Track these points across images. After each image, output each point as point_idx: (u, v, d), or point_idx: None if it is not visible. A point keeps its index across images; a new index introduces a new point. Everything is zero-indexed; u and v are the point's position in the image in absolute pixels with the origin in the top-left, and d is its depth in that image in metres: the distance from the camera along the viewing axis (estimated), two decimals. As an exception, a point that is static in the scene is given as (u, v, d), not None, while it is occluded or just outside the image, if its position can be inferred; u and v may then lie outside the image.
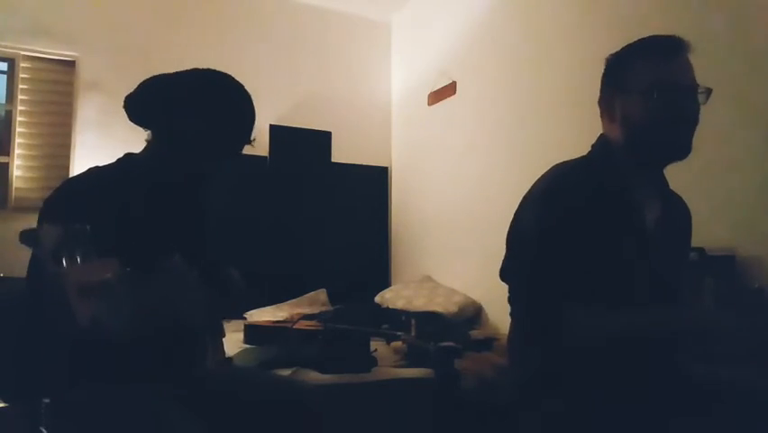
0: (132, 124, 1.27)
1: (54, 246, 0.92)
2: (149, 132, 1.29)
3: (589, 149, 1.35)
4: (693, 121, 1.23)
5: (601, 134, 1.34)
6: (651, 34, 1.26)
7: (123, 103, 1.26)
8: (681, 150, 1.23)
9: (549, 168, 1.31)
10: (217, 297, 1.33)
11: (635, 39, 1.28)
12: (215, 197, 1.46)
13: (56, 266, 0.91)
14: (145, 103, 1.26)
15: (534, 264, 1.20)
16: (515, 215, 1.32)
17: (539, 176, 1.31)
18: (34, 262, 1.13)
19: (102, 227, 0.95)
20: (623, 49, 1.28)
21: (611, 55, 1.30)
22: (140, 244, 1.11)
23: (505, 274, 1.35)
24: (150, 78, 1.27)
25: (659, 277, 1.25)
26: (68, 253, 0.92)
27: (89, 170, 1.25)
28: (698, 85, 1.22)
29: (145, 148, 1.31)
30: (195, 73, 1.28)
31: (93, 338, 0.96)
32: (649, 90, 1.20)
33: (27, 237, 0.99)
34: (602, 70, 1.32)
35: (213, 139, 1.24)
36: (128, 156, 1.31)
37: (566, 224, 1.17)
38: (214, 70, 1.29)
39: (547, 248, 1.18)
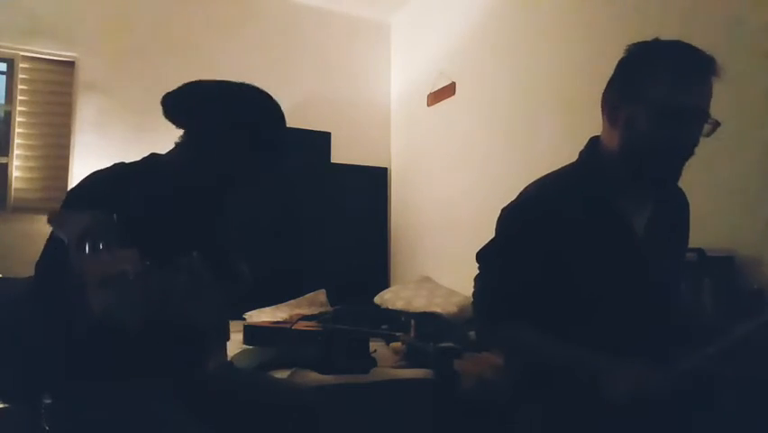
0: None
1: (79, 233, 0.94)
2: (181, 134, 1.31)
3: (578, 155, 1.31)
4: (692, 152, 1.15)
5: (592, 138, 1.29)
6: (681, 41, 1.12)
7: (161, 99, 1.27)
8: (673, 178, 1.18)
9: (538, 178, 1.29)
10: (226, 293, 1.34)
11: (651, 36, 1.15)
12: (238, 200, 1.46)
13: (78, 253, 0.92)
14: (186, 103, 1.28)
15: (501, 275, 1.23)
16: (497, 223, 1.29)
17: (537, 177, 1.30)
18: (50, 252, 1.14)
19: (123, 220, 0.96)
20: (650, 45, 1.14)
21: (633, 46, 1.16)
22: (159, 240, 1.12)
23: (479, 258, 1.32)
24: (195, 81, 1.30)
25: (650, 284, 1.22)
26: (91, 241, 0.93)
27: (115, 164, 1.28)
28: (710, 115, 1.12)
29: (173, 149, 1.32)
30: (238, 86, 1.31)
31: (103, 328, 0.97)
32: (667, 111, 1.09)
33: (55, 221, 1.00)
34: (617, 60, 1.19)
35: (244, 150, 1.28)
36: (153, 155, 1.34)
37: (544, 237, 1.18)
38: (257, 88, 1.33)
39: (519, 262, 1.20)
